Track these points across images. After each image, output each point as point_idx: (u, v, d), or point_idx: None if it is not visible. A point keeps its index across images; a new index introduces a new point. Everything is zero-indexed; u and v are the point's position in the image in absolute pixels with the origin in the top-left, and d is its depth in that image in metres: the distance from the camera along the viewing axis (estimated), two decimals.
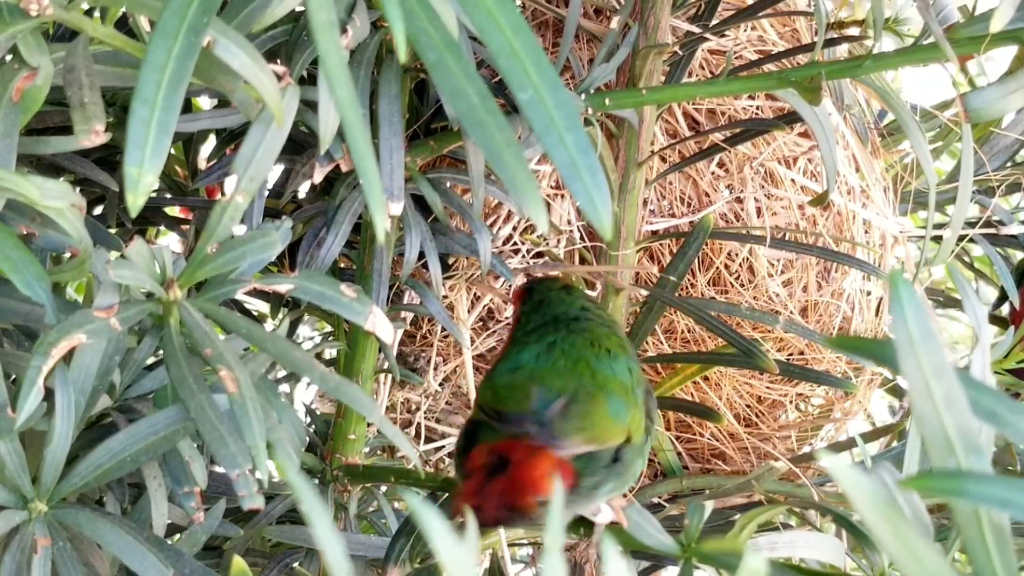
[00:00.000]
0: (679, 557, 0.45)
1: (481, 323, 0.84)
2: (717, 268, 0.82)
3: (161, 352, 0.46)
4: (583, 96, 0.67)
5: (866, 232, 0.86)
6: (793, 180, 0.83)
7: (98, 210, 0.80)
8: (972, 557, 0.26)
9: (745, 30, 0.85)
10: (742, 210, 0.82)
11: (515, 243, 0.81)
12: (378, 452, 0.90)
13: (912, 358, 0.26)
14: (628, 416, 0.50)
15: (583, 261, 0.80)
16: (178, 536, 0.57)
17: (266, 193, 0.74)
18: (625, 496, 0.53)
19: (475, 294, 0.82)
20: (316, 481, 0.74)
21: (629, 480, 0.51)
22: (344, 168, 0.62)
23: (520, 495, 0.44)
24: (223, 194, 0.45)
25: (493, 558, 0.77)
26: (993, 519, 0.26)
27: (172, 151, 0.87)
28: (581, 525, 0.53)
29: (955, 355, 1.14)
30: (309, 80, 0.68)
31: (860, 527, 0.45)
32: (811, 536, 0.48)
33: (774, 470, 0.66)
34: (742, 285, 0.82)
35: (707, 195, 0.82)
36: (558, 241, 0.81)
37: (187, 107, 0.80)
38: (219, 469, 0.59)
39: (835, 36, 0.82)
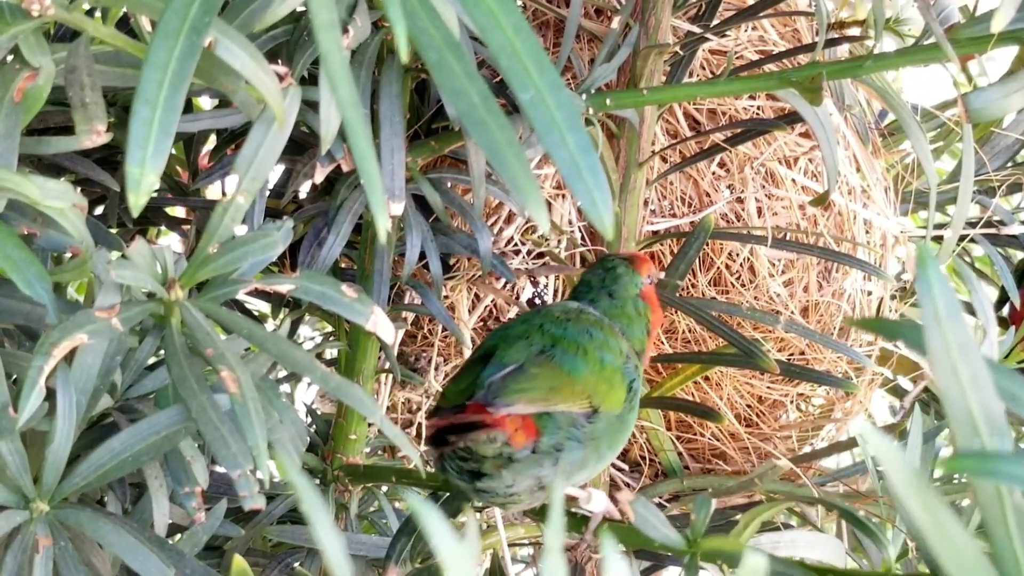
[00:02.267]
0: (684, 553, 0.45)
1: (483, 323, 0.84)
2: (718, 268, 0.82)
3: (162, 352, 0.46)
4: (584, 96, 0.67)
5: (867, 232, 0.86)
6: (794, 180, 0.83)
7: (99, 210, 0.80)
8: (992, 535, 0.26)
9: (746, 30, 0.85)
10: (743, 210, 0.82)
11: (516, 244, 0.81)
12: (379, 452, 0.90)
13: (939, 336, 0.26)
14: (586, 374, 0.51)
15: (584, 261, 0.80)
16: (179, 536, 0.57)
17: (267, 193, 0.74)
18: (632, 490, 0.53)
19: (476, 294, 0.82)
20: (317, 481, 0.74)
21: (604, 452, 0.52)
22: (345, 168, 0.62)
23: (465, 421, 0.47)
24: (224, 194, 0.45)
25: (494, 558, 0.77)
26: (1016, 500, 0.26)
27: (173, 151, 0.87)
28: (581, 523, 0.53)
29: None
30: (310, 80, 0.68)
31: (864, 521, 0.45)
32: (812, 536, 0.48)
33: (776, 468, 0.66)
34: (743, 285, 0.82)
35: (708, 195, 0.82)
36: (559, 241, 0.81)
37: (188, 107, 0.80)
38: (220, 469, 0.59)
39: (836, 36, 0.82)
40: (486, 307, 0.83)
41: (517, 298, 0.81)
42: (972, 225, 0.93)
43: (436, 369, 0.84)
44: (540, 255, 0.81)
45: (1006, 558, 0.25)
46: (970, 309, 0.75)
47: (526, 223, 0.80)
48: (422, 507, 0.22)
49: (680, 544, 0.45)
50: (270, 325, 0.94)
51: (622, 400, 0.53)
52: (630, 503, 0.46)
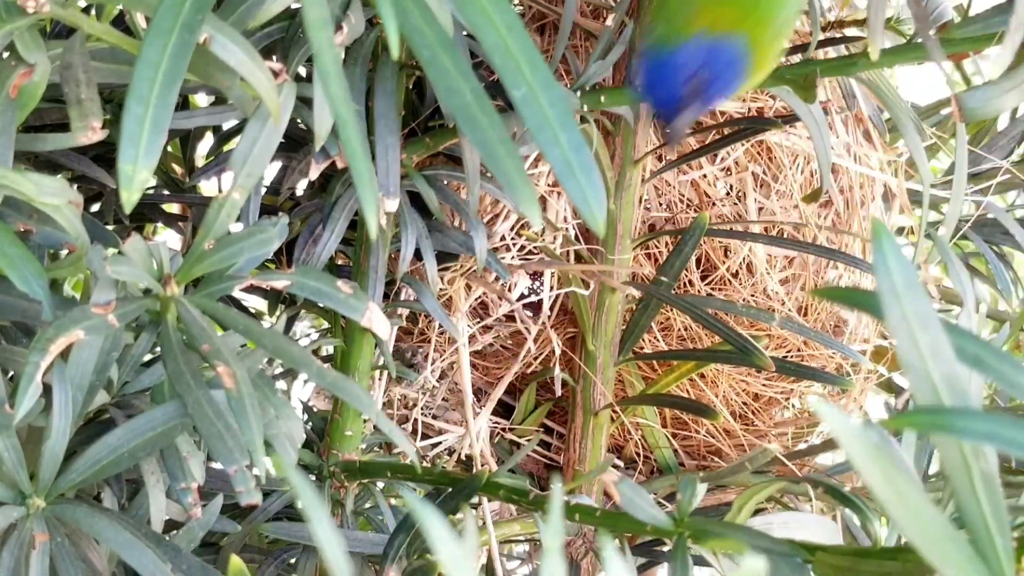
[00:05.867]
0: (672, 533, 0.45)
1: (477, 319, 0.84)
2: (714, 265, 0.82)
3: (158, 348, 0.46)
4: (578, 93, 0.67)
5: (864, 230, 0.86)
6: (791, 177, 0.83)
7: (95, 207, 0.80)
8: (961, 505, 0.25)
9: None
10: (740, 208, 0.82)
11: (511, 240, 0.81)
12: (375, 448, 0.90)
13: (896, 307, 0.26)
14: None
15: (579, 258, 0.80)
16: (175, 532, 0.57)
17: (263, 190, 0.74)
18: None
19: (468, 286, 0.82)
20: (313, 477, 0.74)
21: None
22: (340, 165, 0.62)
23: None
24: (220, 191, 0.45)
25: (490, 554, 0.77)
26: (983, 468, 0.25)
27: (169, 148, 0.87)
28: (574, 511, 0.53)
29: None
30: (306, 77, 0.68)
31: (853, 497, 0.45)
32: (806, 516, 0.48)
33: (767, 452, 0.66)
34: (739, 282, 0.82)
35: (704, 193, 0.82)
36: (554, 238, 0.81)
37: (184, 104, 0.80)
38: (216, 465, 0.59)
39: (834, 36, 0.82)
40: (478, 299, 0.82)
41: (510, 290, 0.81)
42: (968, 223, 0.94)
43: (432, 365, 0.84)
44: (535, 250, 0.81)
45: (977, 526, 0.25)
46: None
47: (520, 220, 0.81)
48: (419, 504, 0.23)
49: (667, 524, 0.45)
50: (266, 321, 0.95)
51: None
52: (615, 483, 0.46)
